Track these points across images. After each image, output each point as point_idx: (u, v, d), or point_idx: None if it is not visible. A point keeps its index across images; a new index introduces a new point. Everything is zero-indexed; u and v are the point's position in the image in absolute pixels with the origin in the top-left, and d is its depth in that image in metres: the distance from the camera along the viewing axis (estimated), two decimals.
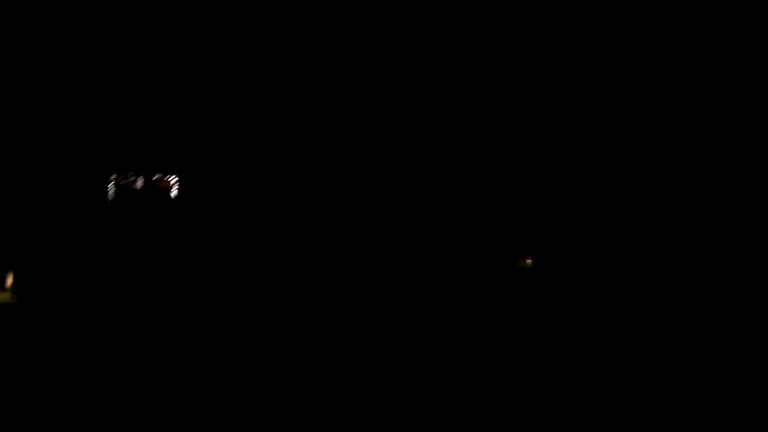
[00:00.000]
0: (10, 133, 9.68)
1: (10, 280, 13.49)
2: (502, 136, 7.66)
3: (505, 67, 7.61)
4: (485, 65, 7.70)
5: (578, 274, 7.57)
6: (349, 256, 8.42)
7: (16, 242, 10.60)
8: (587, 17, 7.33)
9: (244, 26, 8.01)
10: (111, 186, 12.57)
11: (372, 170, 8.43)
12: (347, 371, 6.65)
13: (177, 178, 15.62)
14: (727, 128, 7.25)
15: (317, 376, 6.44)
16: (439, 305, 7.62)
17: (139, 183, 14.91)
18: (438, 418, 5.49)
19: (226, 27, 8.04)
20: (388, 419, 5.55)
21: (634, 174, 7.51)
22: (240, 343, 6.98)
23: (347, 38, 7.84)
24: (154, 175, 14.82)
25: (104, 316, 8.06)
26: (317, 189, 8.55)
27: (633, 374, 5.90)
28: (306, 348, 6.93)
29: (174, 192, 15.03)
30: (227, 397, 5.97)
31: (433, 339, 7.05)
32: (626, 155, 7.53)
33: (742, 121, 7.22)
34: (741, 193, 7.26)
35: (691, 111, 7.31)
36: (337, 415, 5.63)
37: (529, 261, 7.84)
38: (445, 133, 7.77)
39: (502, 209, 7.85)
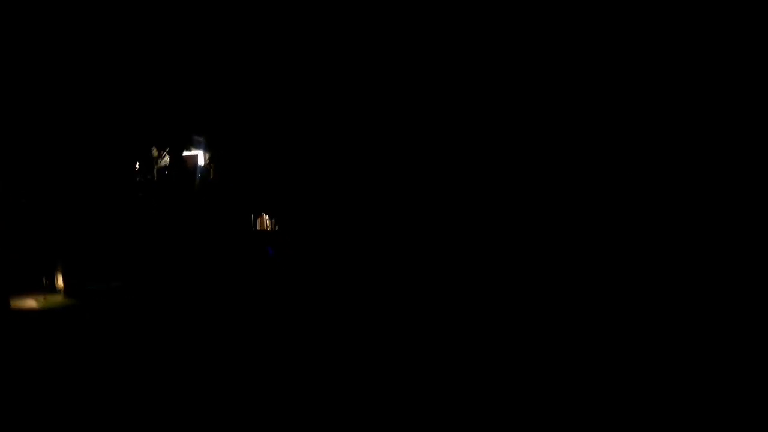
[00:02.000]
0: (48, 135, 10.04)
1: (60, 281, 14.10)
2: (498, 135, 7.73)
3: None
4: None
5: (580, 272, 7.66)
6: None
7: (62, 239, 10.85)
8: (583, 19, 7.30)
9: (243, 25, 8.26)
10: (139, 166, 13.06)
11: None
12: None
13: (204, 155, 16.17)
14: (727, 128, 7.22)
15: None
16: (437, 304, 7.77)
17: (168, 160, 15.45)
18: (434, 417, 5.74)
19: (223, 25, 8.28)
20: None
21: (633, 174, 7.54)
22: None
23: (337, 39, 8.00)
24: (182, 152, 15.32)
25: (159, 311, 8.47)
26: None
27: (632, 374, 6.10)
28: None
29: (202, 168, 15.53)
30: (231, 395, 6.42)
31: (432, 338, 7.26)
32: (625, 155, 7.57)
33: (743, 121, 7.18)
34: (741, 193, 7.22)
35: (690, 111, 7.30)
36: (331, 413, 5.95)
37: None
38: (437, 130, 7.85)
39: (501, 209, 7.99)
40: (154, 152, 18.47)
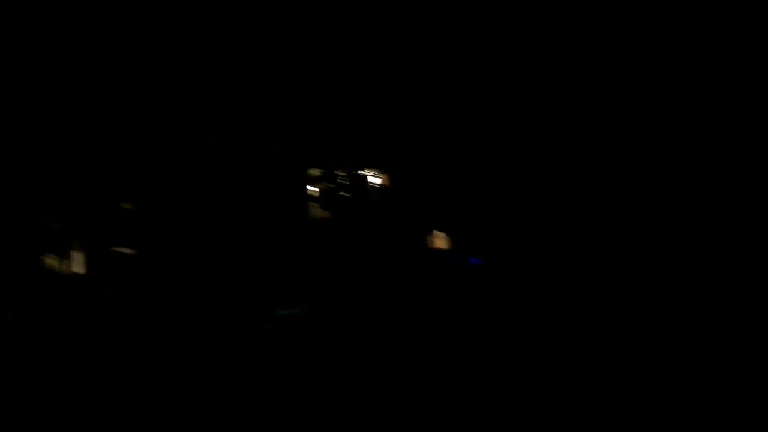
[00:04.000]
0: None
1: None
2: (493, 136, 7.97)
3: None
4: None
5: (577, 272, 7.87)
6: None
7: (247, 258, 11.43)
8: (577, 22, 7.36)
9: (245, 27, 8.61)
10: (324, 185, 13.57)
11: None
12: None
13: (379, 173, 16.61)
14: (726, 129, 7.00)
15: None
16: (438, 305, 8.21)
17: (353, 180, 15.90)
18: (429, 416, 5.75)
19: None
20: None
21: (632, 174, 7.58)
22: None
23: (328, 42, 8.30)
24: (361, 171, 15.91)
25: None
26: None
27: (628, 373, 5.95)
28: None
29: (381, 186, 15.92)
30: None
31: (431, 337, 7.48)
32: (622, 154, 7.54)
33: (742, 122, 6.94)
34: (741, 193, 6.99)
35: (688, 112, 7.16)
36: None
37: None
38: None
39: (499, 208, 8.30)
40: (339, 172, 19.32)
